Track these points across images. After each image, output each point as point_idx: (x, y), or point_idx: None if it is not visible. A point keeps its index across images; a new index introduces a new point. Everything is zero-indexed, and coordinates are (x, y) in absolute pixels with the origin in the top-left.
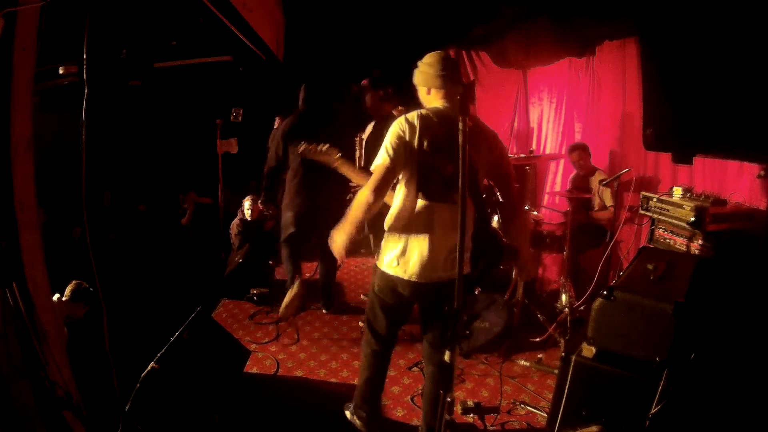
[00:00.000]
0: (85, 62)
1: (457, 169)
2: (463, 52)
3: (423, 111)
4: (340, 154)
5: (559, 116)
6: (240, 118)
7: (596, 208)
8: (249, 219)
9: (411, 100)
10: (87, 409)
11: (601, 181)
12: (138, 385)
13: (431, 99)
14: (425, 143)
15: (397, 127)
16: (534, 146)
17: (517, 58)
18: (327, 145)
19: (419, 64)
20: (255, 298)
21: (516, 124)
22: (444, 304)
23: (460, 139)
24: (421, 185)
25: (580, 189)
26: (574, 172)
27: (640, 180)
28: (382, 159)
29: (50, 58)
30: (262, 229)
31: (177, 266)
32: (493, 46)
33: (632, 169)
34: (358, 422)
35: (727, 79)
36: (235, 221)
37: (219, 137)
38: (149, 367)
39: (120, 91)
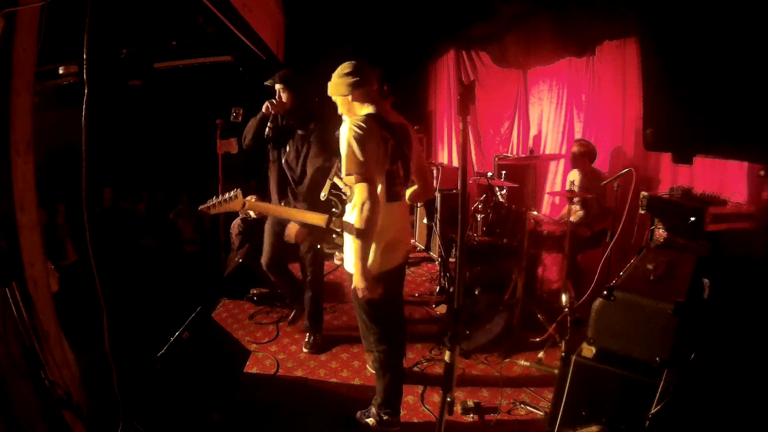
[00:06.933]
0: (85, 62)
1: (406, 172)
2: (463, 52)
3: (366, 119)
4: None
5: (559, 116)
6: (240, 118)
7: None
8: (253, 217)
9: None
10: None
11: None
12: (138, 385)
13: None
14: (387, 152)
15: (363, 137)
16: (534, 146)
17: (517, 58)
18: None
19: (333, 76)
20: (255, 298)
21: (516, 124)
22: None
23: (461, 139)
24: (384, 190)
25: (583, 189)
26: (571, 171)
27: (640, 180)
28: (363, 172)
29: (50, 58)
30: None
31: (177, 266)
32: (493, 46)
33: (632, 169)
34: (386, 419)
35: (727, 79)
36: (236, 221)
37: (219, 137)
38: (150, 367)
39: (120, 91)
